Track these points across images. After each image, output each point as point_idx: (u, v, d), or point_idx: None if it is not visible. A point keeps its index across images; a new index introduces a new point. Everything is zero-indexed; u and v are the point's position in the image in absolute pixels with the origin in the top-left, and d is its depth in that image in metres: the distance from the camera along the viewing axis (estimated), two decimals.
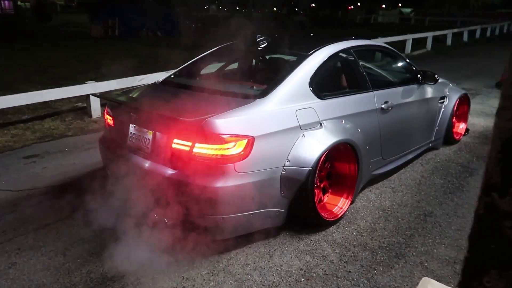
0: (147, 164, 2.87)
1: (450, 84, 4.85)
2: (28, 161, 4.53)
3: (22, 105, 5.80)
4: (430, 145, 4.57)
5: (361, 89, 3.53)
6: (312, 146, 2.87)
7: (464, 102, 5.02)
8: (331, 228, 3.07)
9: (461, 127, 5.12)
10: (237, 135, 2.57)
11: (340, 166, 3.25)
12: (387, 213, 3.30)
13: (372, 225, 3.12)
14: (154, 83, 3.69)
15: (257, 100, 2.82)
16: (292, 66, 3.19)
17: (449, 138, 4.81)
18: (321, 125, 2.99)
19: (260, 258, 2.72)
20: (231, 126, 2.59)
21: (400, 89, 3.91)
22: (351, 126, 3.23)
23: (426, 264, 2.64)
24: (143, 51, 12.94)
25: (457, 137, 4.98)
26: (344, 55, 3.57)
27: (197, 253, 2.74)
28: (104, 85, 6.25)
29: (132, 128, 3.02)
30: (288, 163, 2.78)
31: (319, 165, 2.89)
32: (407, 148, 4.09)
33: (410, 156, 4.18)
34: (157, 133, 2.82)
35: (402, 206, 3.42)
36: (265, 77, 3.17)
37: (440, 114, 4.56)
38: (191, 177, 2.61)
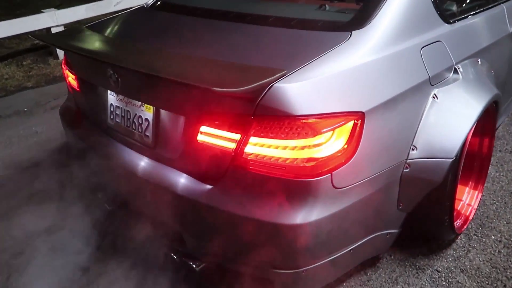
0: (145, 164, 1.55)
1: None
2: None
3: None
4: None
5: (488, 1, 2.12)
6: (454, 118, 1.56)
7: None
8: (459, 243, 1.88)
9: None
10: (334, 114, 1.24)
11: (471, 141, 1.97)
12: None
13: None
14: (142, 7, 2.18)
15: (353, 33, 1.43)
16: None
17: None
18: (457, 72, 1.65)
19: None
20: (320, 96, 1.24)
21: None
22: (488, 69, 1.90)
23: None
24: None
25: None
26: None
27: None
28: (68, 13, 4.63)
29: (112, 97, 1.65)
30: (414, 152, 1.49)
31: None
32: None
33: None
34: (163, 112, 1.47)
35: None
36: None
37: None
38: (243, 202, 1.31)
